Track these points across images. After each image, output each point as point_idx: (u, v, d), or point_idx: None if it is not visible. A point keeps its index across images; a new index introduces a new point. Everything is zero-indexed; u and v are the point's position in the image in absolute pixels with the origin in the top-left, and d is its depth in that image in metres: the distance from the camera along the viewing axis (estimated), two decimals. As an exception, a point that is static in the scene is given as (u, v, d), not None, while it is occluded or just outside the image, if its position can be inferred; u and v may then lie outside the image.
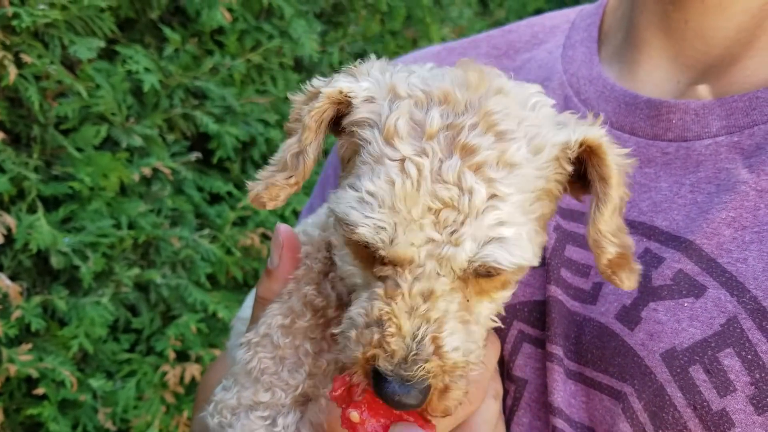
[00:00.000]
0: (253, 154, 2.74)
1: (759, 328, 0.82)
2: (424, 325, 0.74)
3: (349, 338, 0.79)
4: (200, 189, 2.59)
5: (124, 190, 2.36)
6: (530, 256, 0.77)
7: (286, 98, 2.84)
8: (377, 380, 0.75)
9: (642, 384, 0.87)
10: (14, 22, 1.97)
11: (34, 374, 2.13)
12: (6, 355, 2.10)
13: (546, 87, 1.13)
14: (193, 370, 2.39)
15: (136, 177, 2.30)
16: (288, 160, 0.83)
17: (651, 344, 0.87)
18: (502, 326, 0.98)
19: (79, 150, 2.19)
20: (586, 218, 0.83)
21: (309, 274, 0.95)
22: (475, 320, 0.81)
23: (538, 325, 0.99)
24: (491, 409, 0.94)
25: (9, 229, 2.07)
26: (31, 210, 2.14)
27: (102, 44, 2.17)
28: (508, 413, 1.01)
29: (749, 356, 0.82)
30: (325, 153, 0.99)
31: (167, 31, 2.40)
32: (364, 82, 0.81)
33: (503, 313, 0.89)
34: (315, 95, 0.85)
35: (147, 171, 2.31)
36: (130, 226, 2.33)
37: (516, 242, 0.74)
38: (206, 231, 2.55)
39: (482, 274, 0.77)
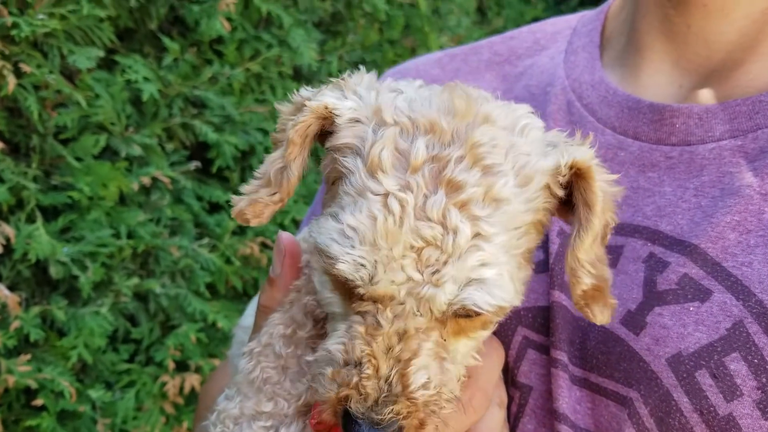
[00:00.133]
0: (253, 163, 2.73)
1: (765, 332, 0.81)
2: (395, 366, 0.73)
3: (323, 375, 0.77)
4: (199, 198, 2.59)
5: (123, 199, 2.35)
6: (511, 297, 0.75)
7: (285, 107, 2.87)
8: (346, 421, 0.73)
9: (648, 389, 0.86)
10: (13, 32, 1.96)
11: (33, 385, 2.12)
12: (5, 366, 2.09)
13: (548, 92, 1.13)
14: (192, 380, 2.38)
15: (135, 186, 2.30)
16: (272, 176, 0.81)
17: (657, 349, 0.87)
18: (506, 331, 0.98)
19: (79, 159, 2.19)
20: (567, 244, 0.81)
21: (310, 284, 0.94)
22: (452, 359, 0.79)
23: (542, 331, 0.98)
24: (496, 418, 0.93)
25: (8, 239, 2.06)
26: (30, 220, 2.13)
27: (101, 54, 2.18)
28: (513, 420, 1.00)
29: (755, 360, 0.81)
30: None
31: (166, 40, 2.40)
32: (349, 101, 0.79)
33: (484, 350, 0.87)
34: (301, 107, 0.83)
35: (146, 180, 2.31)
36: (130, 236, 2.33)
37: (497, 283, 0.72)
38: (205, 240, 2.54)
39: (461, 315, 0.75)
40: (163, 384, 2.38)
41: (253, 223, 0.82)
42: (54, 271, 2.15)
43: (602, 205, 0.78)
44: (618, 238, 0.98)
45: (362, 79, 0.84)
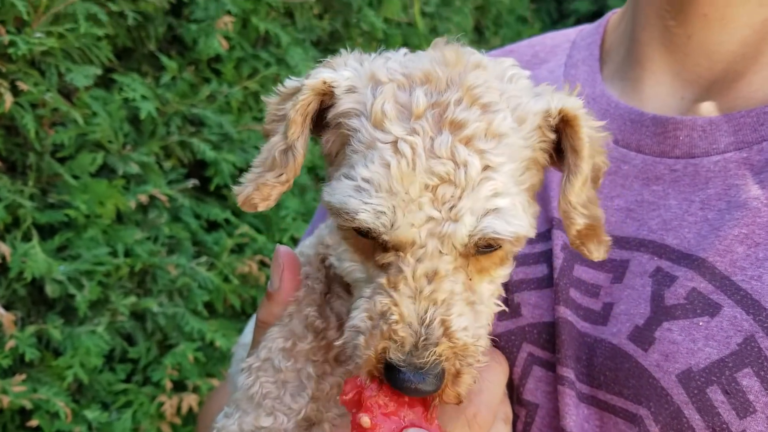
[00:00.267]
0: (250, 181, 2.71)
1: None
2: (431, 308, 0.74)
3: (358, 346, 0.77)
4: (197, 216, 2.58)
5: (120, 217, 2.34)
6: (527, 225, 0.77)
7: (283, 125, 2.86)
8: (390, 372, 0.74)
9: (658, 406, 0.84)
10: (10, 50, 1.96)
11: (28, 405, 2.08)
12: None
13: None
14: (190, 400, 2.35)
15: (132, 204, 2.28)
16: (277, 158, 0.82)
17: (666, 365, 0.85)
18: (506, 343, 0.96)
19: (75, 177, 2.18)
20: (559, 190, 0.84)
21: (310, 296, 0.93)
22: (480, 300, 0.81)
23: (548, 348, 0.97)
24: None
25: (3, 258, 2.05)
26: (26, 238, 2.11)
27: (98, 72, 2.17)
28: (519, 438, 0.98)
29: None
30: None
31: (164, 59, 2.40)
32: (345, 71, 0.82)
33: (504, 294, 0.89)
34: (291, 94, 0.85)
35: (143, 198, 2.30)
36: (127, 254, 2.31)
37: (512, 212, 0.75)
38: (203, 258, 2.52)
39: (482, 247, 0.77)
40: (161, 404, 2.35)
41: (261, 207, 0.83)
42: (50, 290, 2.13)
43: (589, 150, 0.81)
44: (624, 252, 0.96)
45: (347, 56, 0.86)
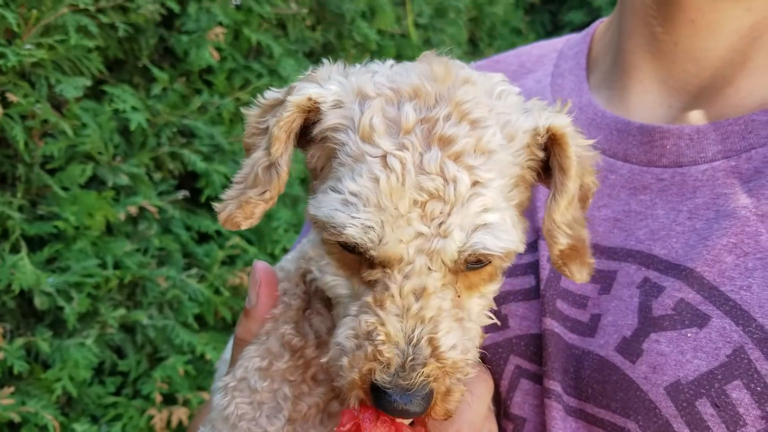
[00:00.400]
0: (242, 193, 2.70)
1: (767, 359, 0.79)
2: (419, 326, 0.73)
3: (342, 367, 0.76)
4: (188, 228, 2.56)
5: (110, 229, 2.32)
6: (516, 241, 0.76)
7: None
8: (376, 394, 0.72)
9: (646, 420, 0.83)
10: (0, 62, 1.95)
11: (16, 419, 2.06)
12: (-13, 400, 2.04)
13: None
14: (180, 413, 2.33)
15: (122, 216, 2.27)
16: (260, 175, 0.80)
17: (654, 377, 0.84)
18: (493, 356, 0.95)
19: (65, 189, 2.16)
20: (545, 200, 0.83)
21: (287, 312, 0.92)
22: (468, 317, 0.80)
23: (536, 360, 0.95)
24: None
25: (-9, 270, 2.03)
26: (15, 250, 2.10)
27: (88, 83, 2.16)
28: (506, 453, 0.96)
29: (758, 388, 0.78)
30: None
31: (155, 70, 2.39)
32: (331, 86, 0.80)
33: (495, 307, 0.88)
34: (272, 106, 0.84)
35: (133, 210, 2.28)
36: (116, 266, 2.29)
37: (502, 227, 0.74)
38: (194, 270, 2.51)
39: (471, 263, 0.76)
40: (150, 417, 2.33)
41: (244, 225, 0.81)
42: (39, 302, 2.11)
43: (576, 169, 0.80)
44: (611, 263, 0.95)
45: (330, 69, 0.85)
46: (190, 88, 2.56)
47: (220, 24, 2.49)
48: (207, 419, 0.90)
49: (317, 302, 0.92)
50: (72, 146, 2.18)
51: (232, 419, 0.86)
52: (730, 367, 0.80)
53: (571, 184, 0.80)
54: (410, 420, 0.77)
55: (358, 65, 0.85)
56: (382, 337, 0.72)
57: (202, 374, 2.49)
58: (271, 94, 0.86)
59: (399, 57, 3.54)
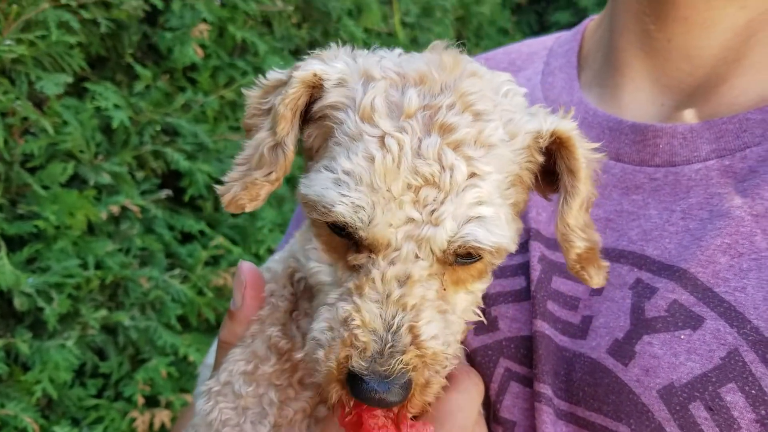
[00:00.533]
0: (227, 192, 2.67)
1: (762, 361, 0.77)
2: (399, 313, 0.71)
3: (318, 360, 0.74)
4: (171, 228, 2.54)
5: (91, 228, 2.29)
6: (509, 238, 0.75)
7: (261, 135, 2.83)
8: (353, 382, 0.70)
9: (639, 423, 0.81)
10: (-22, 57, 1.91)
11: (-5, 422, 2.02)
12: (-36, 403, 2.00)
13: None
14: (162, 416, 2.30)
15: (104, 215, 2.24)
16: (266, 155, 0.79)
17: (647, 380, 0.82)
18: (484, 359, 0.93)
19: (45, 188, 2.13)
20: (555, 214, 0.82)
21: (274, 314, 0.89)
22: (453, 310, 0.78)
23: (526, 363, 0.93)
24: None
25: (-31, 270, 1.98)
26: (-6, 250, 2.06)
27: (70, 80, 2.12)
28: (496, 457, 0.94)
29: (753, 391, 0.77)
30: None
31: (138, 67, 2.35)
32: (337, 64, 0.79)
33: (482, 306, 0.86)
34: (275, 87, 0.83)
35: (115, 209, 2.26)
36: (98, 266, 2.26)
37: (495, 222, 0.73)
38: (177, 271, 2.48)
39: (461, 256, 0.74)
40: (132, 420, 2.30)
41: (249, 207, 0.79)
42: (18, 303, 2.07)
43: (586, 171, 0.79)
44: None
45: (338, 50, 0.84)
46: (174, 86, 2.53)
47: (205, 21, 2.46)
48: (190, 424, 0.88)
49: (305, 303, 0.90)
50: (53, 144, 2.15)
51: (216, 425, 0.84)
52: (725, 370, 0.79)
53: (582, 186, 0.79)
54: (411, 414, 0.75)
55: (365, 50, 0.84)
56: (357, 322, 0.71)
57: (185, 376, 2.46)
58: (274, 75, 0.85)
59: (385, 56, 3.52)
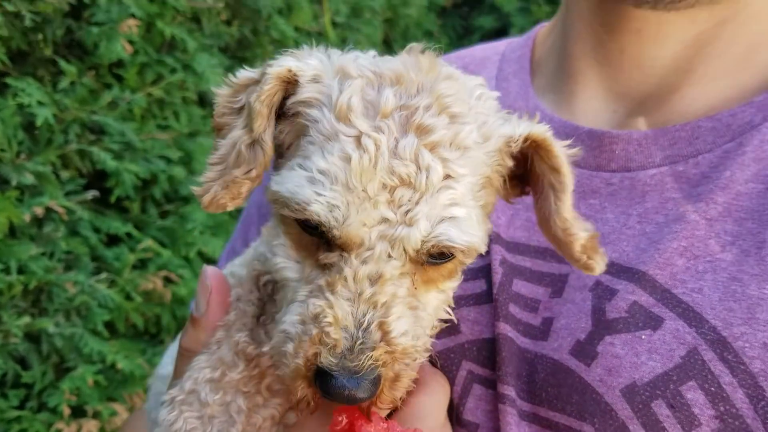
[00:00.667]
0: (154, 193, 2.62)
1: (721, 359, 0.80)
2: (370, 311, 0.71)
3: (286, 353, 0.73)
4: (97, 230, 2.46)
5: (13, 231, 2.21)
6: (480, 238, 0.76)
7: (190, 134, 2.76)
8: (322, 378, 0.70)
9: (603, 422, 0.83)
10: None
11: None
12: None
13: None
14: (90, 426, 2.22)
15: (27, 217, 2.16)
16: (244, 152, 0.78)
17: (610, 380, 0.84)
18: (451, 367, 0.93)
19: (-37, 189, 2.01)
20: (547, 213, 0.83)
21: (242, 319, 0.88)
22: (423, 307, 0.79)
23: (488, 365, 0.94)
24: None
25: None
26: None
27: (-11, 75, 2.02)
28: (460, 460, 0.95)
29: (713, 389, 0.80)
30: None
31: (62, 63, 2.26)
32: (311, 61, 0.78)
33: (453, 305, 0.87)
34: (246, 85, 0.82)
35: (39, 211, 2.18)
36: (20, 271, 2.18)
37: (468, 222, 0.74)
38: (104, 275, 2.41)
39: (433, 256, 0.75)
40: (58, 431, 2.20)
41: (230, 206, 0.78)
42: (-67, 311, 1.96)
43: (568, 166, 0.81)
44: (562, 266, 0.95)
45: (311, 50, 0.83)
46: (100, 83, 2.44)
47: (133, 16, 2.38)
48: None
49: (272, 307, 0.88)
50: (-29, 142, 2.04)
51: None
52: (685, 368, 0.82)
53: (567, 179, 0.81)
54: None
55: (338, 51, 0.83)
56: (329, 319, 0.70)
57: (113, 384, 2.39)
58: (245, 73, 0.83)
59: (316, 56, 3.50)
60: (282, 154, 0.81)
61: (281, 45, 3.21)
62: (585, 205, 0.97)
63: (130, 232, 2.51)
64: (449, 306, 0.85)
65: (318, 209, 0.70)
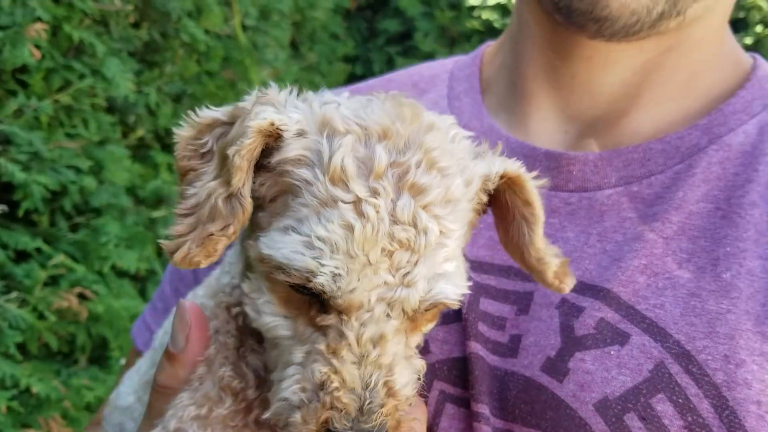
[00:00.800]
0: (65, 205, 2.49)
1: (686, 372, 0.85)
2: (375, 372, 0.72)
3: (294, 424, 0.72)
4: (4, 246, 2.32)
5: None
6: (465, 287, 0.78)
7: (100, 142, 2.65)
8: None
9: None
10: None
11: None
12: None
13: None
14: (4, 456, 2.08)
15: (-73, 236, 1.99)
16: (221, 207, 0.74)
17: (582, 395, 0.87)
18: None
19: None
20: (517, 240, 0.85)
21: (223, 353, 0.85)
22: (413, 353, 0.80)
23: (459, 384, 0.95)
24: None
25: None
26: None
27: None
28: (436, 482, 0.96)
29: (680, 400, 0.84)
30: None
31: (-38, 68, 2.12)
32: (293, 114, 0.76)
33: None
34: (209, 126, 0.79)
35: (-59, 228, 2.01)
36: None
37: (458, 275, 0.75)
38: (14, 294, 2.28)
39: (427, 310, 0.76)
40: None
41: (204, 264, 0.74)
42: None
43: (540, 199, 0.83)
44: (527, 284, 0.98)
45: (285, 93, 0.80)
46: (3, 89, 2.30)
47: (40, 20, 2.25)
48: None
49: (249, 338, 0.86)
50: None
51: None
52: (653, 382, 0.85)
53: (540, 212, 0.83)
54: None
55: (310, 92, 0.80)
56: (336, 385, 0.70)
57: (27, 409, 2.25)
58: (207, 113, 0.80)
59: (227, 59, 3.43)
60: (263, 206, 0.78)
61: (192, 49, 3.12)
62: (546, 225, 1.00)
63: (39, 247, 2.37)
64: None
65: (323, 280, 0.69)
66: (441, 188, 0.72)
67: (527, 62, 1.09)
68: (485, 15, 5.22)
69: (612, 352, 0.88)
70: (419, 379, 0.81)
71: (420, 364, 0.81)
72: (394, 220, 0.70)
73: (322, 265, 0.69)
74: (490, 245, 1.02)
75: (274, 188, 0.76)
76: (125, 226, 2.64)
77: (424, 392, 0.96)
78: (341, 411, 0.70)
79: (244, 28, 3.60)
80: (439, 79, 1.24)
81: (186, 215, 0.76)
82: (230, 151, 0.73)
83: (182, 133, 0.79)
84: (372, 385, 0.71)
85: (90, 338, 2.43)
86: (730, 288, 0.88)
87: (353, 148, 0.71)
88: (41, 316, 2.30)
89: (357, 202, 0.69)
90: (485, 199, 0.83)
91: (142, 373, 1.03)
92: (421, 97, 1.22)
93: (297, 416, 0.72)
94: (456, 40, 5.46)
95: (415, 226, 0.70)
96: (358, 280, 0.69)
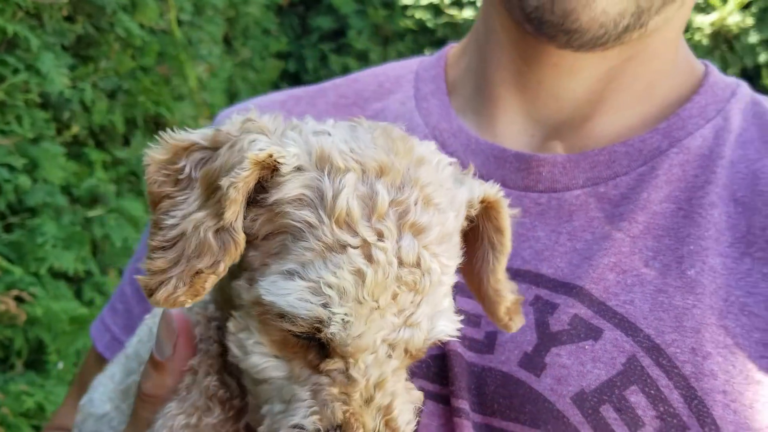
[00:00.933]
0: (-1, 204, 2.39)
1: (657, 365, 0.90)
2: (378, 414, 0.72)
3: None
4: (-66, 248, 2.19)
5: None
6: (458, 320, 0.78)
7: (34, 139, 2.55)
8: None
9: (556, 428, 0.89)
10: None
11: None
12: None
13: None
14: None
15: None
16: (212, 241, 0.70)
17: (560, 388, 0.91)
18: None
19: None
20: (478, 268, 0.86)
21: (207, 362, 0.83)
22: (412, 386, 0.80)
23: (437, 380, 0.98)
24: None
25: None
26: None
27: None
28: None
29: (652, 392, 0.89)
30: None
31: None
32: (291, 147, 0.72)
33: None
34: (186, 150, 0.75)
35: None
36: None
37: (451, 309, 0.75)
38: (-54, 298, 2.15)
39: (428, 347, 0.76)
40: None
41: (189, 303, 0.70)
42: None
43: (511, 229, 0.84)
44: None
45: (273, 120, 0.77)
46: (-69, 85, 2.19)
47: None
48: None
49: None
50: None
51: None
52: (627, 374, 0.90)
53: (509, 243, 0.84)
54: None
55: (294, 119, 0.78)
56: (359, 429, 0.70)
57: (-37, 417, 2.15)
58: (183, 135, 0.75)
59: (162, 54, 3.35)
60: (254, 244, 0.74)
61: (127, 44, 3.05)
62: (517, 224, 1.03)
63: (-29, 249, 2.28)
64: None
65: (335, 330, 0.68)
66: (438, 226, 0.72)
67: (494, 67, 1.12)
68: (418, 14, 5.26)
69: (587, 347, 0.92)
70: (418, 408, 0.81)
71: (417, 396, 0.81)
72: (401, 263, 0.69)
73: (333, 314, 0.67)
74: (463, 245, 1.05)
75: (268, 226, 0.72)
76: (62, 226, 2.55)
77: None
78: None
79: (179, 23, 3.53)
80: (405, 79, 1.25)
81: (165, 248, 0.71)
82: (224, 182, 0.69)
83: (154, 155, 0.74)
84: (379, 427, 0.71)
85: (27, 342, 2.34)
86: (694, 284, 0.93)
87: (356, 187, 0.69)
88: (-24, 321, 2.21)
89: (365, 246, 0.68)
90: (465, 224, 0.83)
91: (117, 381, 1.00)
92: (388, 97, 1.23)
93: None
94: (389, 39, 5.48)
95: (419, 267, 0.70)
96: (366, 324, 0.68)
